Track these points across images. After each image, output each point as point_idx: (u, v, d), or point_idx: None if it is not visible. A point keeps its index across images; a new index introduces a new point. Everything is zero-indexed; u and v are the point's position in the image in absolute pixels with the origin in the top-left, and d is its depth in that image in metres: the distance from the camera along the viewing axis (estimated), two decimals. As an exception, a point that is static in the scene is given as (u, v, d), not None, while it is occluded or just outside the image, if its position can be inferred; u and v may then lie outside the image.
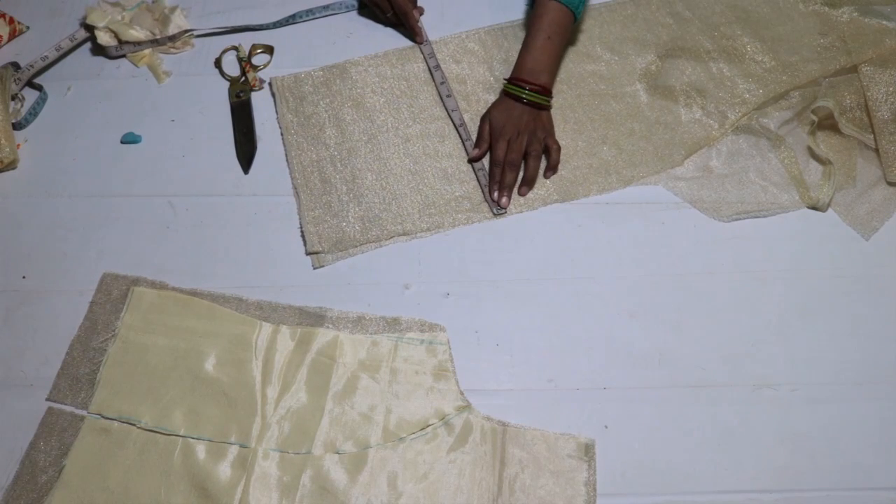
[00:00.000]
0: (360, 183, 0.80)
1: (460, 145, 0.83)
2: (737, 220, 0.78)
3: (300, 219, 0.78)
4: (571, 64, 0.89)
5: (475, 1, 0.95)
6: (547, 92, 0.82)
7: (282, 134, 0.84)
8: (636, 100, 0.86)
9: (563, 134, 0.83)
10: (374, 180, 0.81)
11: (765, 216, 0.78)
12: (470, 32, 0.92)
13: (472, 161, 0.82)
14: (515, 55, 0.85)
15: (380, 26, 0.94)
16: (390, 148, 0.83)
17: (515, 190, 0.80)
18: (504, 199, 0.79)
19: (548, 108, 0.83)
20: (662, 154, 0.82)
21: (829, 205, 0.78)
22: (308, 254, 0.76)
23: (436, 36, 0.91)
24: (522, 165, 0.81)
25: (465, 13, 0.94)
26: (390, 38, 0.92)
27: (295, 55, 0.92)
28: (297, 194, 0.80)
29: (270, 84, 0.88)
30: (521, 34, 0.89)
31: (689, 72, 0.88)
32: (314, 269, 0.75)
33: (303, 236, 0.77)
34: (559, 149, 0.81)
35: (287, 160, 0.83)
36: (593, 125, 0.84)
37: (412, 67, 0.89)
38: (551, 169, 0.81)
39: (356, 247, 0.77)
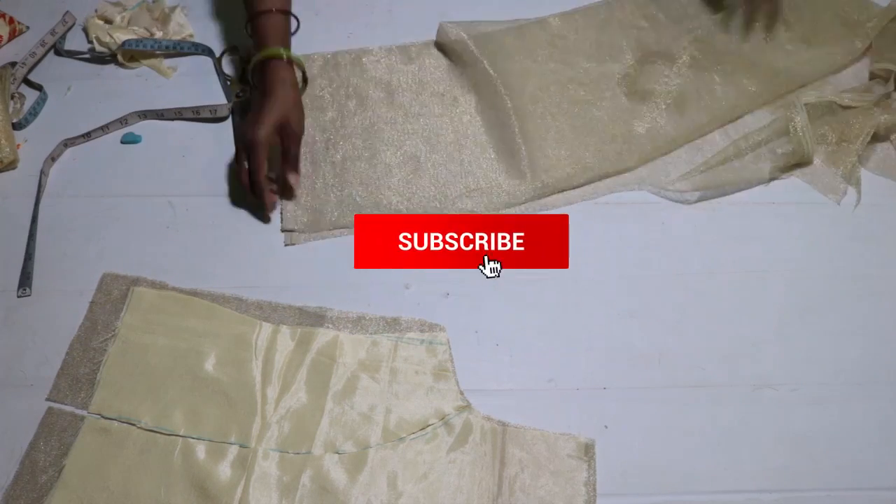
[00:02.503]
0: (348, 168, 0.81)
1: (456, 146, 0.83)
2: (703, 199, 0.79)
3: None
4: (550, 73, 0.88)
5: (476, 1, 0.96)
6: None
7: None
8: (616, 103, 0.86)
9: (545, 144, 0.82)
10: (364, 169, 0.81)
11: (731, 192, 0.79)
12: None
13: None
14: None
15: (380, 27, 0.94)
16: (385, 141, 0.83)
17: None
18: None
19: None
20: (643, 157, 0.82)
21: (812, 153, 0.80)
22: (283, 230, 0.77)
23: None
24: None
25: (465, 13, 0.94)
26: (390, 39, 0.92)
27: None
28: None
29: None
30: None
31: (666, 74, 0.88)
32: (285, 245, 0.76)
33: (280, 213, 0.78)
34: None
35: None
36: (575, 133, 0.83)
37: (423, 62, 0.90)
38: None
39: (330, 230, 0.77)
